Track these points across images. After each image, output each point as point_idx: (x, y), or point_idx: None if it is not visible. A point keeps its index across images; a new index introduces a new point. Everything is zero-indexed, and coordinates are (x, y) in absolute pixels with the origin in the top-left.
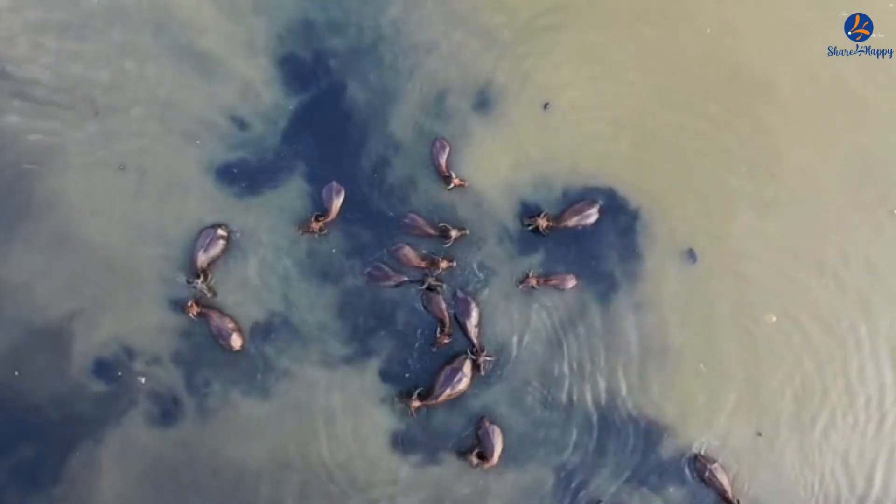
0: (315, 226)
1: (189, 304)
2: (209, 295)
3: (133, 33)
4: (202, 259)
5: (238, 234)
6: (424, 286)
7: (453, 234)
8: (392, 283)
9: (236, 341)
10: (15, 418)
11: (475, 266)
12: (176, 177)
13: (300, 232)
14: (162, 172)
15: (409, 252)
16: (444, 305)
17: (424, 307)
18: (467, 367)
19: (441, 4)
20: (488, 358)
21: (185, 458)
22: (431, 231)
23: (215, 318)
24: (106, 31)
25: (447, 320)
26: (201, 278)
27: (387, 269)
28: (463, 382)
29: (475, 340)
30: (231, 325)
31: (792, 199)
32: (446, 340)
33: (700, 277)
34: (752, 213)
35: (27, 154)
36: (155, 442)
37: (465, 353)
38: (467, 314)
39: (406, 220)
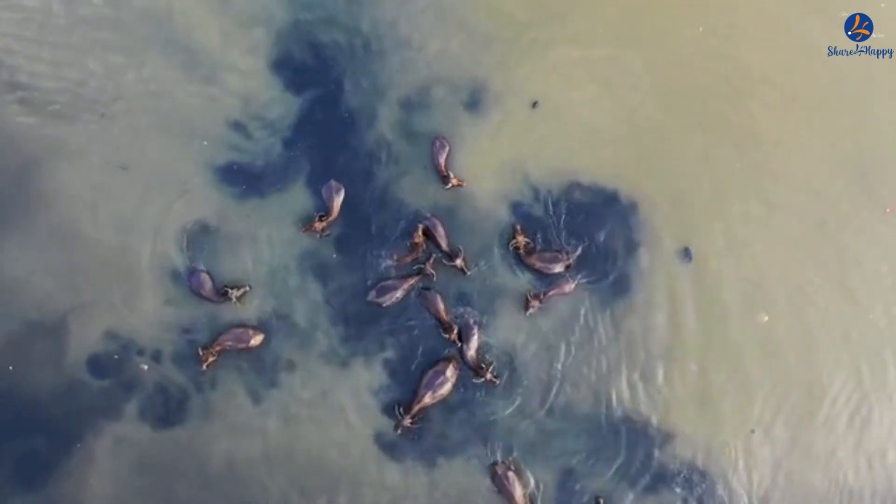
0: (318, 226)
1: (202, 354)
2: (248, 288)
3: (137, 39)
4: (208, 293)
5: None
6: (429, 268)
7: (458, 262)
8: (401, 293)
9: (258, 339)
10: (9, 413)
11: (475, 289)
12: (176, 177)
13: (303, 231)
14: (163, 173)
15: (398, 252)
16: (441, 305)
17: (425, 308)
18: (450, 372)
19: (435, 5)
20: (479, 379)
21: (179, 452)
22: (443, 244)
23: (229, 341)
24: (110, 37)
25: (446, 318)
26: (229, 294)
27: (390, 282)
28: (445, 387)
29: (471, 363)
30: (242, 330)
31: (790, 195)
32: (453, 338)
33: (696, 276)
34: (751, 211)
35: (30, 153)
36: (150, 436)
37: (450, 357)
38: (468, 338)
39: (426, 221)
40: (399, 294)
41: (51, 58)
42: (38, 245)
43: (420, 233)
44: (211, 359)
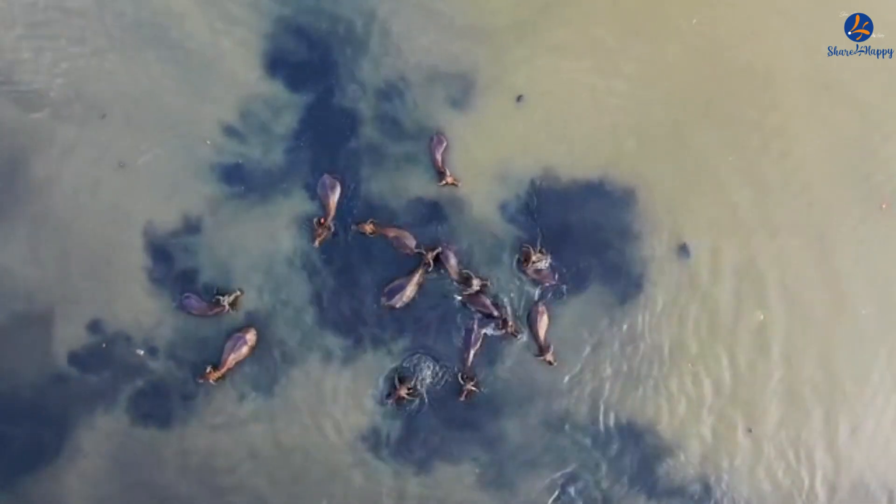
0: (321, 231)
1: (207, 373)
2: (239, 293)
3: (134, 40)
4: (200, 311)
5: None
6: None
7: (475, 284)
8: (410, 290)
9: (252, 339)
10: None
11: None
12: (172, 175)
13: (317, 244)
14: (159, 171)
15: (406, 239)
16: (487, 301)
17: (464, 304)
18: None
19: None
20: (473, 389)
21: (163, 446)
22: (454, 273)
23: (231, 354)
24: (111, 41)
25: (498, 313)
26: (220, 301)
27: (397, 282)
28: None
29: (467, 366)
30: (239, 335)
31: (788, 191)
32: (510, 330)
33: (694, 273)
34: (748, 208)
35: (24, 148)
36: (135, 428)
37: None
38: (468, 344)
39: (442, 250)
40: (409, 291)
41: (46, 59)
42: (28, 236)
43: (369, 227)
44: (213, 378)
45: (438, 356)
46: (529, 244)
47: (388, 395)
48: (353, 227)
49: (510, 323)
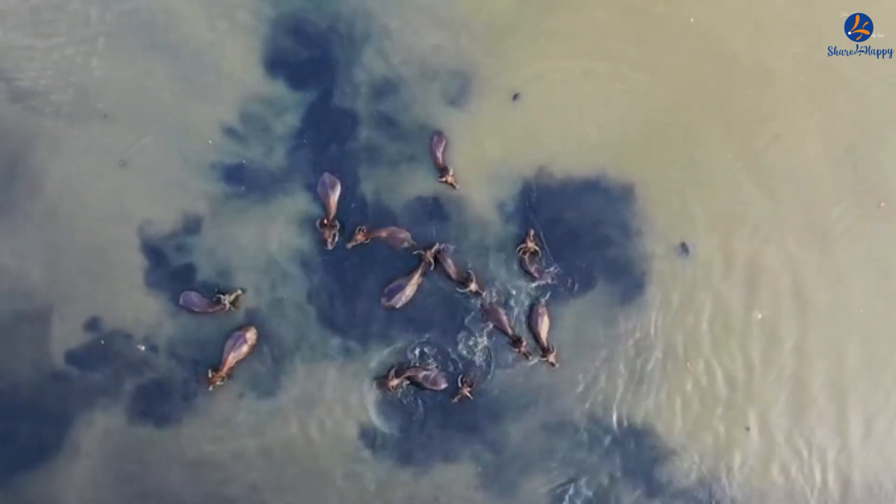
0: (327, 233)
1: (210, 378)
2: (240, 292)
3: (139, 42)
4: (201, 308)
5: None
6: (431, 253)
7: (472, 286)
8: (410, 290)
9: (251, 337)
10: None
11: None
12: (173, 174)
13: (329, 246)
14: (160, 170)
15: (399, 234)
16: (504, 317)
17: (486, 320)
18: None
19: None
20: (468, 394)
21: (160, 444)
22: (451, 272)
23: (231, 352)
24: (112, 40)
25: (512, 332)
26: (221, 300)
27: (396, 283)
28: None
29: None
30: (238, 333)
31: (786, 190)
32: (522, 350)
33: (693, 272)
34: (746, 205)
35: (24, 146)
36: (132, 427)
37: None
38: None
39: (441, 248)
40: (409, 291)
41: (46, 58)
42: (27, 234)
43: (361, 236)
44: (219, 381)
45: (439, 355)
46: (524, 239)
47: (377, 378)
48: (348, 245)
49: (523, 342)
